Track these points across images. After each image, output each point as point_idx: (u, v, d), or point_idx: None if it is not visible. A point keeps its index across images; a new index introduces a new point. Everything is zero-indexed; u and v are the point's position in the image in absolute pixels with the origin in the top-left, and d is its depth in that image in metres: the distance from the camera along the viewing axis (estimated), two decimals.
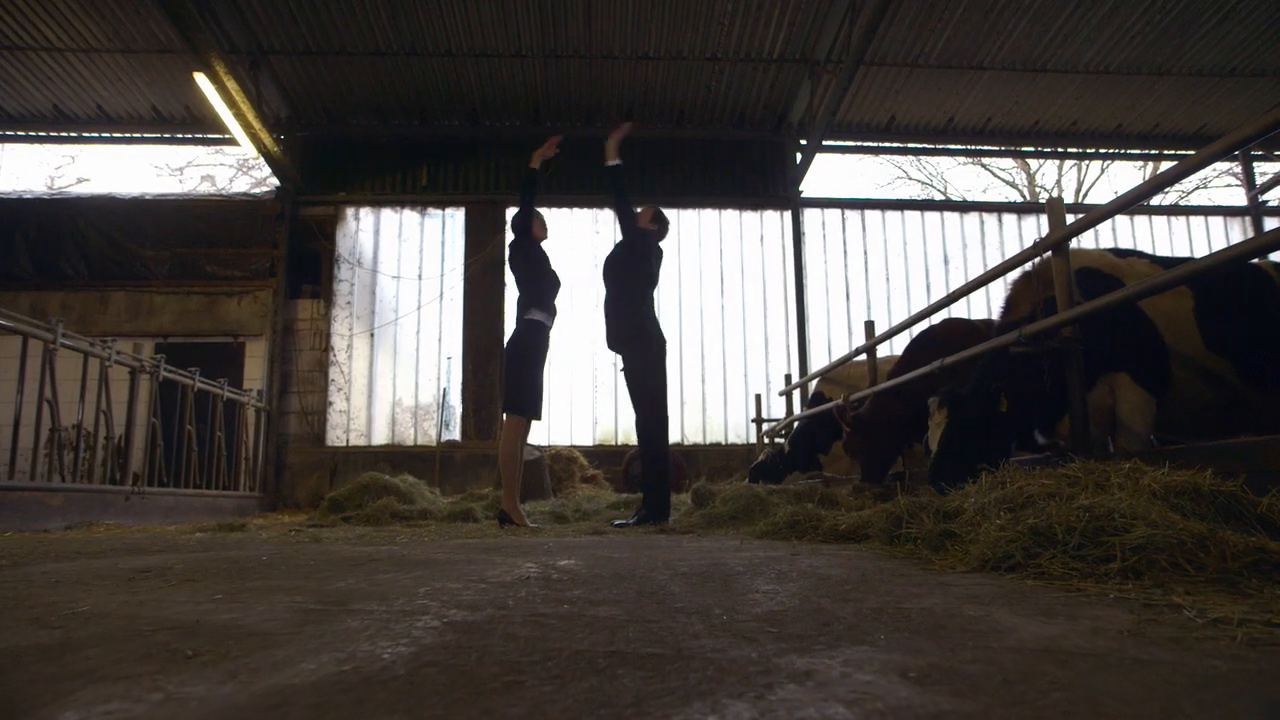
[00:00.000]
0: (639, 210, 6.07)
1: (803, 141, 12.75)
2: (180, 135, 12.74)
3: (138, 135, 12.65)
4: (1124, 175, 20.50)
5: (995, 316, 7.62)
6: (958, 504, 2.36)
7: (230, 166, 20.62)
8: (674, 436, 11.97)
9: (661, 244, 6.20)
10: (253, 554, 2.58)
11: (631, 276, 5.80)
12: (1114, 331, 4.43)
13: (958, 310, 10.87)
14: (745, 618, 1.25)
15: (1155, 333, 4.49)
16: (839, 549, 2.67)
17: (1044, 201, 19.02)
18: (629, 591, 1.56)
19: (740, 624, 1.19)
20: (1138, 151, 13.96)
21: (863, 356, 7.60)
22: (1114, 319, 4.37)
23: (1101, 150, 14.06)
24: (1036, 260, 4.83)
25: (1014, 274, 5.10)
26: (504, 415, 5.72)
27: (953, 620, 1.18)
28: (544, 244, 6.07)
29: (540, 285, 5.87)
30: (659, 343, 5.71)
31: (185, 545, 3.26)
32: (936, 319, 7.17)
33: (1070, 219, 4.51)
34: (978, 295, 12.41)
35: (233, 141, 11.55)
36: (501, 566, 2.10)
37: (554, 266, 6.04)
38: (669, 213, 12.67)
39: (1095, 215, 4.49)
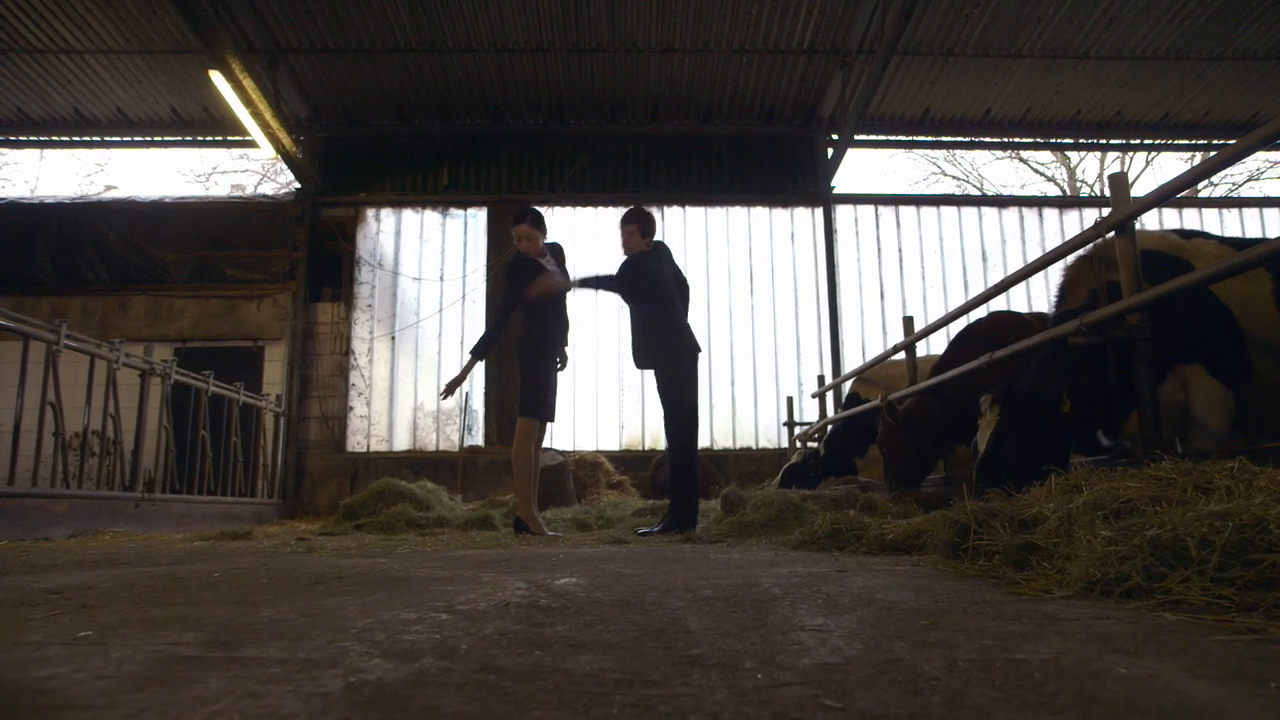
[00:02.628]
0: (629, 226, 5.69)
1: (834, 136, 12.32)
2: (200, 138, 12.58)
3: (158, 138, 12.51)
4: (1170, 168, 19.78)
5: (1043, 310, 7.18)
6: (1036, 510, 1.96)
7: (256, 173, 20.60)
8: (703, 441, 11.57)
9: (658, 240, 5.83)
10: (207, 569, 2.25)
11: (651, 293, 5.52)
12: (1185, 319, 3.98)
13: (998, 306, 10.38)
14: (790, 677, 0.87)
15: (1231, 319, 4.05)
16: (892, 564, 2.27)
17: (1086, 195, 18.43)
18: (631, 627, 1.19)
19: (783, 690, 0.82)
20: (1185, 142, 13.34)
21: (900, 355, 7.18)
22: (1185, 305, 3.94)
23: (1146, 141, 13.47)
24: (1095, 244, 4.40)
25: (1067, 259, 4.67)
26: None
27: (1104, 687, 0.80)
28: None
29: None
30: (692, 351, 5.51)
31: (157, 557, 2.94)
32: (979, 313, 6.74)
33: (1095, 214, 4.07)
34: (1018, 291, 11.89)
35: (252, 144, 11.36)
36: (485, 587, 1.75)
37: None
38: (696, 211, 12.44)
39: (1164, 190, 4.06)
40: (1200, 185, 16.38)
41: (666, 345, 5.44)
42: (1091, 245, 4.36)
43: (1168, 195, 4.09)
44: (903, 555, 2.64)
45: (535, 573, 2.13)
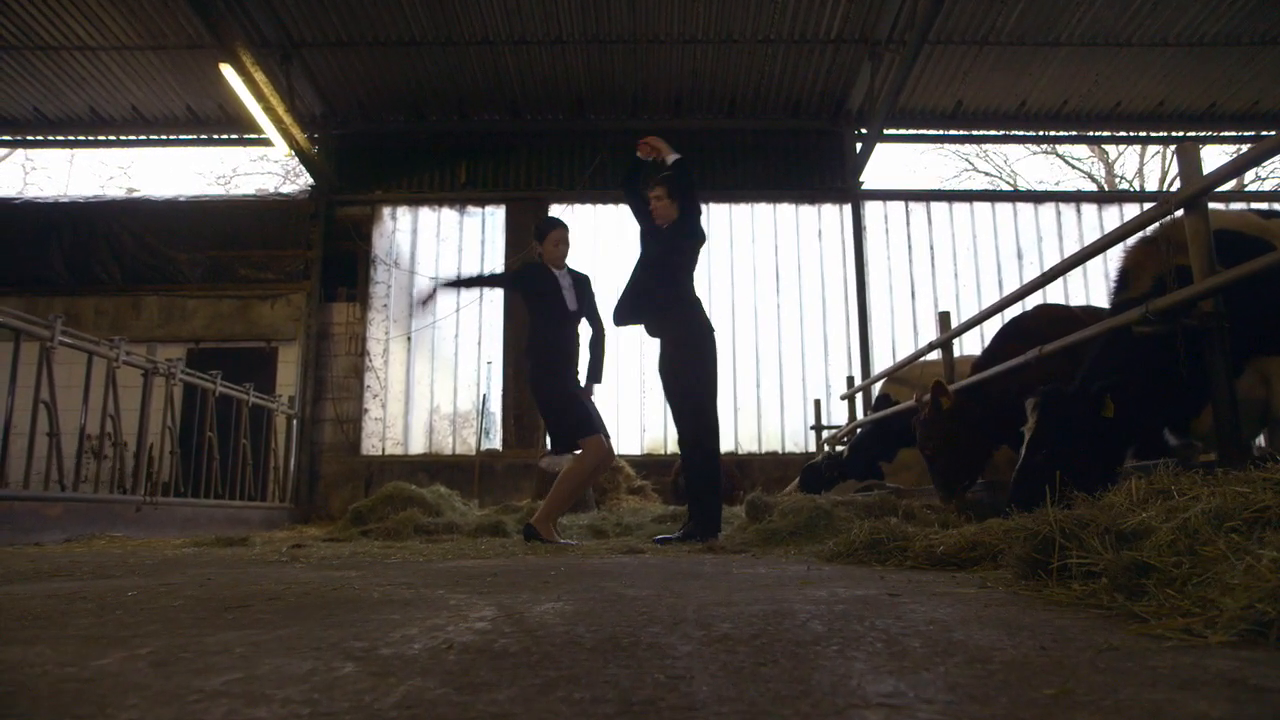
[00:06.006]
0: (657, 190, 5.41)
1: (862, 130, 11.91)
2: (215, 136, 12.41)
3: (173, 137, 12.36)
4: (1215, 163, 19.10)
5: (1087, 305, 6.72)
6: (1138, 520, 1.57)
7: (277, 175, 20.41)
8: (727, 445, 11.18)
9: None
10: (135, 585, 1.92)
11: (676, 253, 5.11)
12: (1267, 305, 3.56)
13: (1035, 302, 9.89)
14: None
15: None
16: (951, 583, 1.89)
17: (1124, 189, 17.79)
18: (607, 696, 0.82)
19: None
20: (1232, 134, 12.74)
21: (934, 355, 6.76)
22: (1267, 290, 3.51)
23: (1191, 134, 12.88)
24: (1160, 225, 3.97)
25: (1126, 243, 4.24)
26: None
27: None
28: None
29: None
30: (711, 329, 5.00)
31: (115, 567, 2.62)
32: (1014, 310, 6.31)
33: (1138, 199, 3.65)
34: (1055, 289, 11.37)
35: (268, 142, 11.13)
36: (440, 616, 1.38)
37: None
38: (720, 208, 12.04)
39: (1240, 161, 3.66)
40: (1248, 179, 15.73)
41: (689, 310, 4.95)
42: (1156, 226, 3.94)
43: (1245, 166, 3.68)
44: (958, 571, 2.25)
45: (518, 593, 1.76)
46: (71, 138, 12.53)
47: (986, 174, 19.79)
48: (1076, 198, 12.70)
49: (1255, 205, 12.73)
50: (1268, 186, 16.89)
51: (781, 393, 11.50)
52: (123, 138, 12.50)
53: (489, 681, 0.89)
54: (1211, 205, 3.57)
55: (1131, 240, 4.14)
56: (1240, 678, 0.86)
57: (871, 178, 12.12)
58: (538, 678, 0.90)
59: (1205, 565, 1.28)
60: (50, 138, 12.50)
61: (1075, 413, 3.54)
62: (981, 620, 1.29)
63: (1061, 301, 11.17)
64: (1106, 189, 18.43)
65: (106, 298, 11.37)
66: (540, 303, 5.21)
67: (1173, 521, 1.48)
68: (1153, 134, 13.07)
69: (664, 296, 4.92)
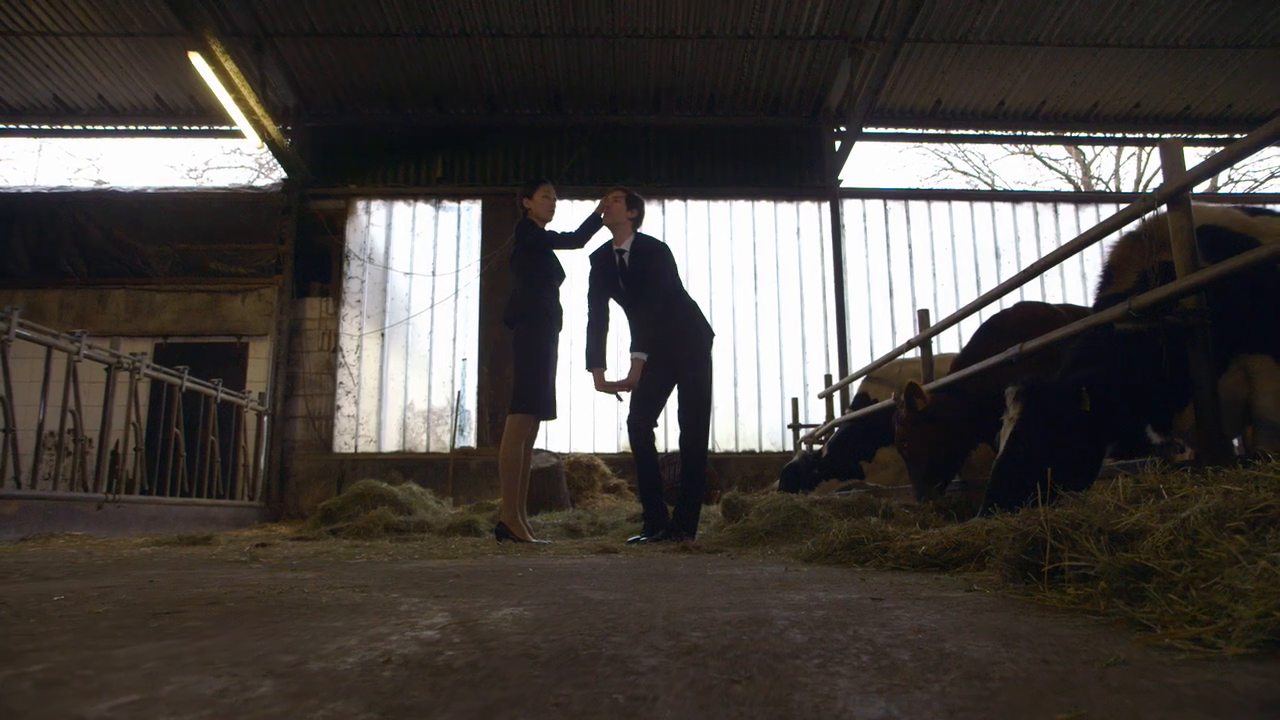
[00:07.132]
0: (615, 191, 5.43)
1: (842, 128, 11.86)
2: (185, 127, 12.14)
3: (141, 127, 12.08)
4: (1190, 165, 19.26)
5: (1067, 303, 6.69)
6: (1134, 521, 1.49)
7: (251, 169, 20.10)
8: None
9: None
10: (67, 589, 1.79)
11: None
12: (1251, 302, 3.51)
13: (1013, 300, 9.88)
14: None
15: None
16: (936, 587, 1.80)
17: (1100, 190, 17.88)
18: None
19: None
20: (1206, 136, 12.82)
21: (912, 353, 6.71)
22: (1251, 287, 3.46)
23: (1166, 136, 12.94)
24: (1144, 220, 3.92)
25: (1109, 239, 4.19)
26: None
27: None
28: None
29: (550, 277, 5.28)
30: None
31: (57, 568, 2.48)
32: (994, 309, 6.26)
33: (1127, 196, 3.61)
34: (1033, 288, 11.43)
35: (238, 133, 10.90)
36: (387, 624, 1.27)
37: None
38: (698, 205, 11.97)
39: (1221, 158, 3.61)
40: (1221, 180, 15.90)
41: (706, 331, 5.32)
42: (1140, 222, 3.89)
43: (1225, 163, 3.64)
44: (941, 573, 2.17)
45: (476, 597, 1.65)
46: (36, 126, 12.22)
47: (965, 173, 19.87)
48: (1054, 198, 12.73)
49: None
50: (1240, 188, 17.05)
51: (759, 391, 11.44)
52: (89, 127, 12.21)
53: (422, 704, 0.78)
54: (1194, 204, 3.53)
55: (1116, 236, 4.10)
56: (1274, 699, 0.76)
57: (850, 176, 12.07)
58: (479, 699, 0.79)
59: (1209, 568, 1.19)
60: (13, 126, 12.18)
61: (1055, 406, 3.48)
62: (973, 628, 1.20)
63: (1040, 297, 11.21)
64: (1083, 190, 18.54)
65: (71, 291, 11.09)
66: (550, 265, 5.22)
67: (1170, 522, 1.40)
68: (1129, 135, 13.12)
69: (699, 330, 5.25)
